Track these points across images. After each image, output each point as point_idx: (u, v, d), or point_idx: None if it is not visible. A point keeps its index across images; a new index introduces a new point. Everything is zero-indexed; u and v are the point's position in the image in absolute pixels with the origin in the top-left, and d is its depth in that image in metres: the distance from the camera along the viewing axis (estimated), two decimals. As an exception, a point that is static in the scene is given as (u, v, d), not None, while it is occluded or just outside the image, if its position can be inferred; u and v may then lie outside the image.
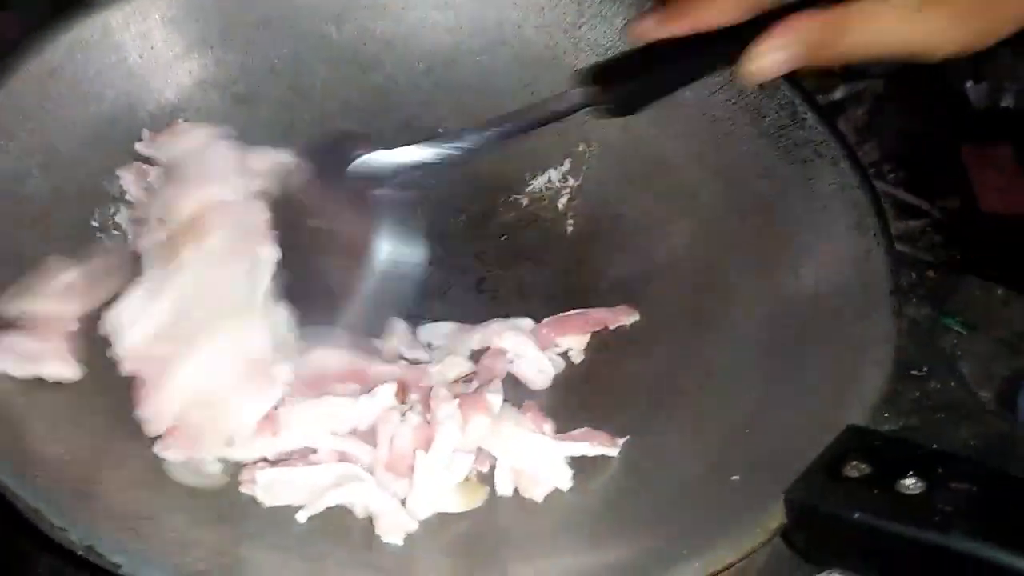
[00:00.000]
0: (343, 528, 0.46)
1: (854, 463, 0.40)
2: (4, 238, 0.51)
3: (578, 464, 0.49)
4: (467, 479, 0.48)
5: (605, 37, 0.69)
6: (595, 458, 0.49)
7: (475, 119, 0.69)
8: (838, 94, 0.91)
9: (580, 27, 0.71)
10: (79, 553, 0.37)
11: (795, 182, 0.61)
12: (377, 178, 0.54)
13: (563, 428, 0.52)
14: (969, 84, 0.91)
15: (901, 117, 0.89)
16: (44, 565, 0.51)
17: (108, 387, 0.47)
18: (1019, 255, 0.80)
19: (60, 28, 0.59)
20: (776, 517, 0.41)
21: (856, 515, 0.37)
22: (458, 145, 0.54)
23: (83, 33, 0.60)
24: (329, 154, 0.57)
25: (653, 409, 0.54)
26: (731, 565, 0.40)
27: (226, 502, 0.44)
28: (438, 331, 0.59)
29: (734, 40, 0.49)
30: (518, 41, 0.72)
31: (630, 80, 0.53)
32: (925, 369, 0.69)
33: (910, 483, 0.38)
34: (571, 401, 0.56)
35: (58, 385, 0.46)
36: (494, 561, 0.45)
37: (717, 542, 0.41)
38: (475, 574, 0.44)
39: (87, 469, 0.42)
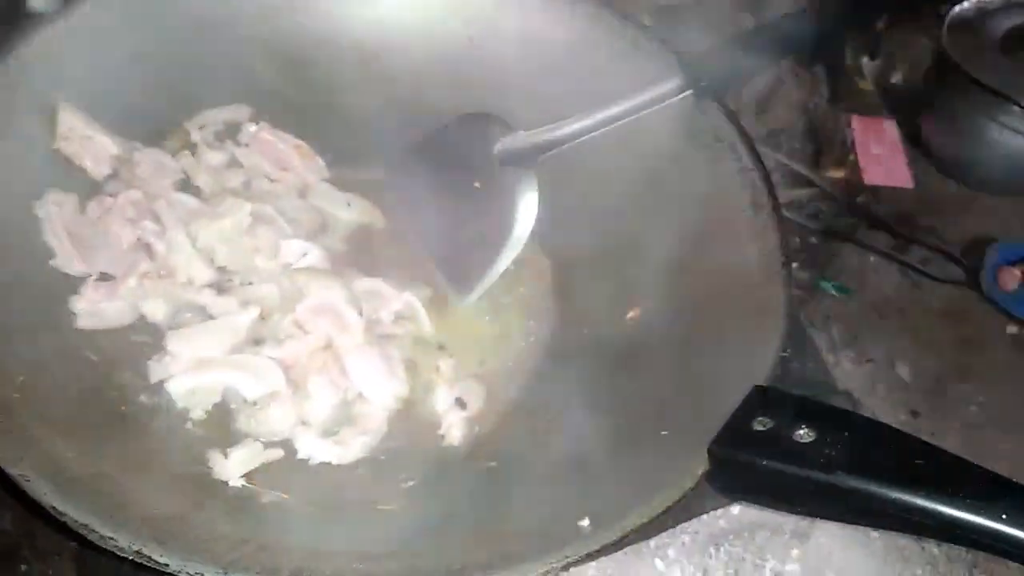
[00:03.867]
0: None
1: (760, 418, 0.50)
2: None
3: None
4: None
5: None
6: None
7: (403, 109, 0.77)
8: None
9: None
10: (129, 558, 0.43)
11: (699, 165, 0.71)
12: (519, 157, 0.67)
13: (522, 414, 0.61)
14: (864, 60, 1.00)
15: (800, 91, 0.96)
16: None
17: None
18: (894, 225, 0.88)
19: None
20: (700, 464, 0.51)
21: (764, 462, 0.47)
22: (581, 126, 0.66)
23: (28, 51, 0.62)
24: (471, 134, 0.68)
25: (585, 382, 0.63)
26: (669, 508, 0.50)
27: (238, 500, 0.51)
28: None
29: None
30: (442, 35, 0.78)
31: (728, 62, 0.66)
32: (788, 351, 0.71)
33: (802, 433, 0.48)
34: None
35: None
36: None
37: (657, 491, 0.50)
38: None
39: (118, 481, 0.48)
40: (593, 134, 0.68)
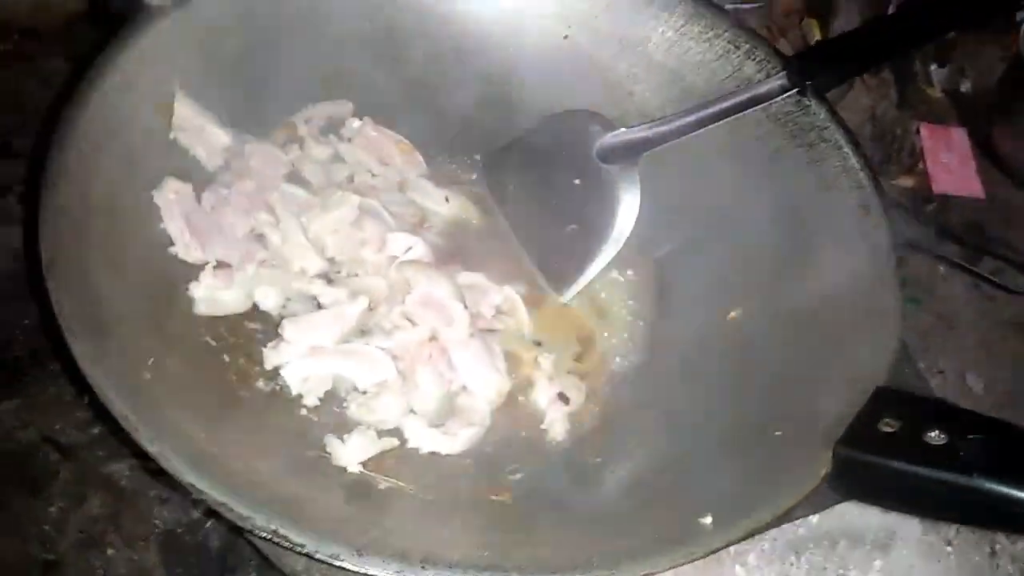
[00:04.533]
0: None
1: (886, 420, 0.49)
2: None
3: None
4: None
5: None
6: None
7: (497, 106, 0.77)
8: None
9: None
10: (267, 536, 0.44)
11: (802, 164, 0.70)
12: (619, 155, 0.68)
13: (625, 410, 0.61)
14: (933, 67, 0.99)
15: (868, 96, 0.95)
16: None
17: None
18: (964, 235, 0.88)
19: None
20: (822, 467, 0.50)
21: (895, 463, 0.47)
22: (683, 123, 0.67)
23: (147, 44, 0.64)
24: (570, 131, 0.70)
25: (687, 381, 0.64)
26: (790, 509, 0.49)
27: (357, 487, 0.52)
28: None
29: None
30: (538, 32, 0.78)
31: (831, 63, 0.65)
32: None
33: (934, 435, 0.47)
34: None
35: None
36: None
37: (779, 490, 0.50)
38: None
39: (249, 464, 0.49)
40: (694, 132, 0.68)
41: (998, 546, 0.71)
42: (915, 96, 0.99)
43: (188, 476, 0.45)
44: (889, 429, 0.49)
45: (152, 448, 0.46)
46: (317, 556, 0.44)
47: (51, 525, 0.62)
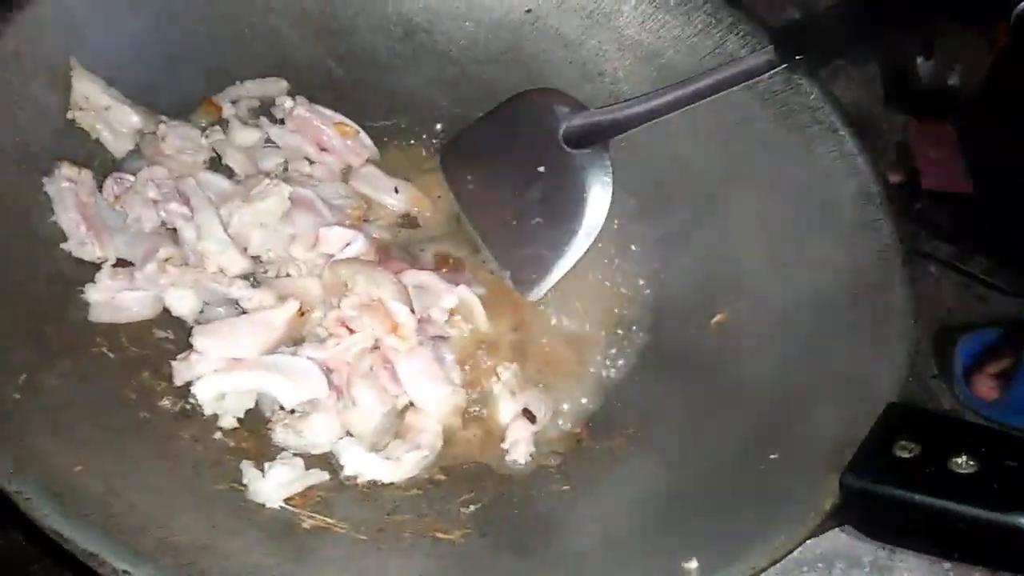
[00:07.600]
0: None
1: (903, 443, 0.41)
2: None
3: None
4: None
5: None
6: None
7: (454, 86, 0.70)
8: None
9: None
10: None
11: (792, 149, 0.62)
12: (589, 138, 0.62)
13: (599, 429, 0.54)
14: (920, 60, 0.93)
15: (855, 90, 0.89)
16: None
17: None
18: (953, 233, 0.82)
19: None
20: (827, 498, 0.43)
21: (915, 497, 0.39)
22: (659, 103, 0.60)
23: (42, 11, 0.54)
24: (534, 113, 0.63)
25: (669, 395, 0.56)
26: (789, 552, 0.41)
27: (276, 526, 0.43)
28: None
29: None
30: (498, 4, 0.70)
31: (822, 37, 0.58)
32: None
33: (960, 462, 0.40)
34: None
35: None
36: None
37: (777, 527, 0.42)
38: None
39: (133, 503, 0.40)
40: (672, 113, 0.61)
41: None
42: (902, 90, 0.93)
43: (50, 520, 0.36)
44: (906, 454, 0.41)
45: (9, 486, 0.37)
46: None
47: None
